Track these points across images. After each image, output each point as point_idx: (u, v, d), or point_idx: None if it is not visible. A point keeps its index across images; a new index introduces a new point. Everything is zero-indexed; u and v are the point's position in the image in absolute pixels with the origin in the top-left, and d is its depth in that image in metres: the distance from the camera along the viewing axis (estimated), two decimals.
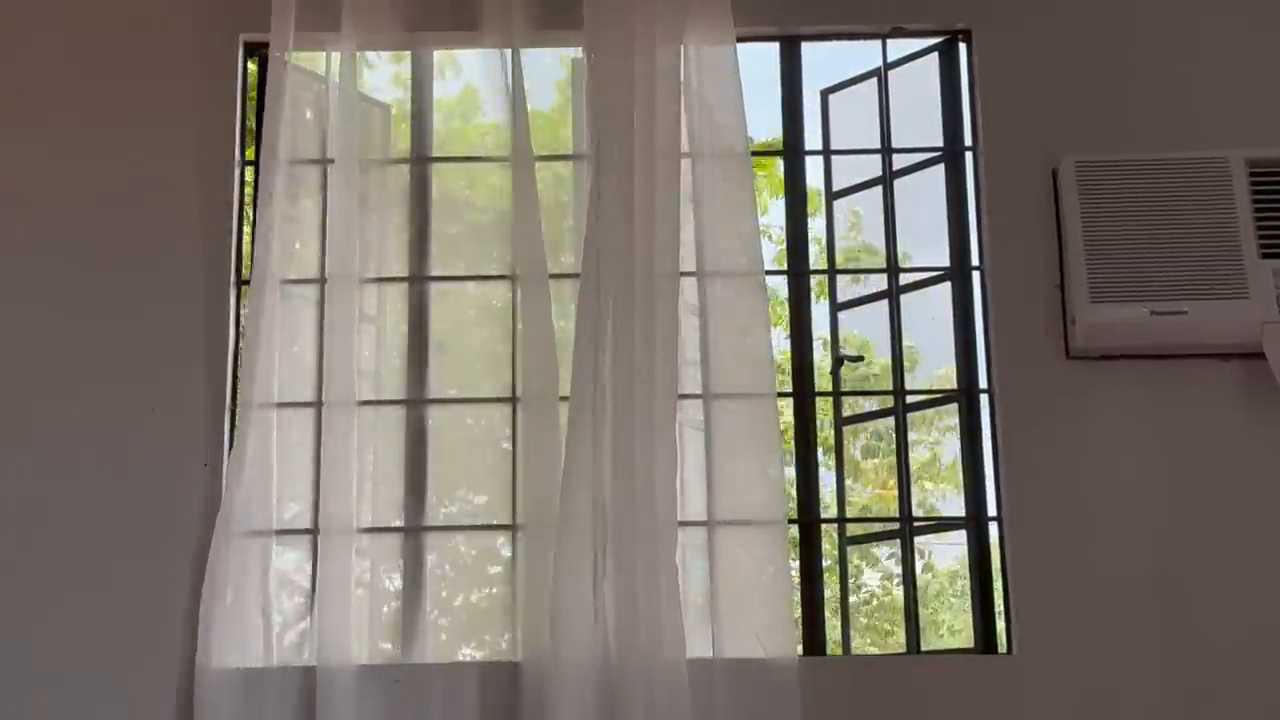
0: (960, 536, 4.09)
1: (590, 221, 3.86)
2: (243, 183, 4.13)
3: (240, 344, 3.96)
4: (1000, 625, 3.97)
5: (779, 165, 4.28)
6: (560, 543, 3.68)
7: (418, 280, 4.14)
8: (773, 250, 5.33)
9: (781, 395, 4.04)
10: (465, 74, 4.36)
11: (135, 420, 3.94)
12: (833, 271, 4.34)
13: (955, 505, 4.15)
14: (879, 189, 4.27)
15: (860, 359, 4.34)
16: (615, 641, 3.61)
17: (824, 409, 4.37)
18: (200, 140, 4.11)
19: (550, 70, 4.22)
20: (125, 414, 3.95)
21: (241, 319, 4.00)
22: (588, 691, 3.60)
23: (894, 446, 4.19)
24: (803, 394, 4.15)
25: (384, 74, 4.36)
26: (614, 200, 3.84)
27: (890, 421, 4.23)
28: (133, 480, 3.90)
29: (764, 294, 3.93)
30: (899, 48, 4.33)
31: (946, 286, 4.19)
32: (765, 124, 4.26)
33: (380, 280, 4.11)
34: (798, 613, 3.94)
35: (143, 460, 3.91)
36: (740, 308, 3.93)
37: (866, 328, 4.29)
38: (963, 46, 4.28)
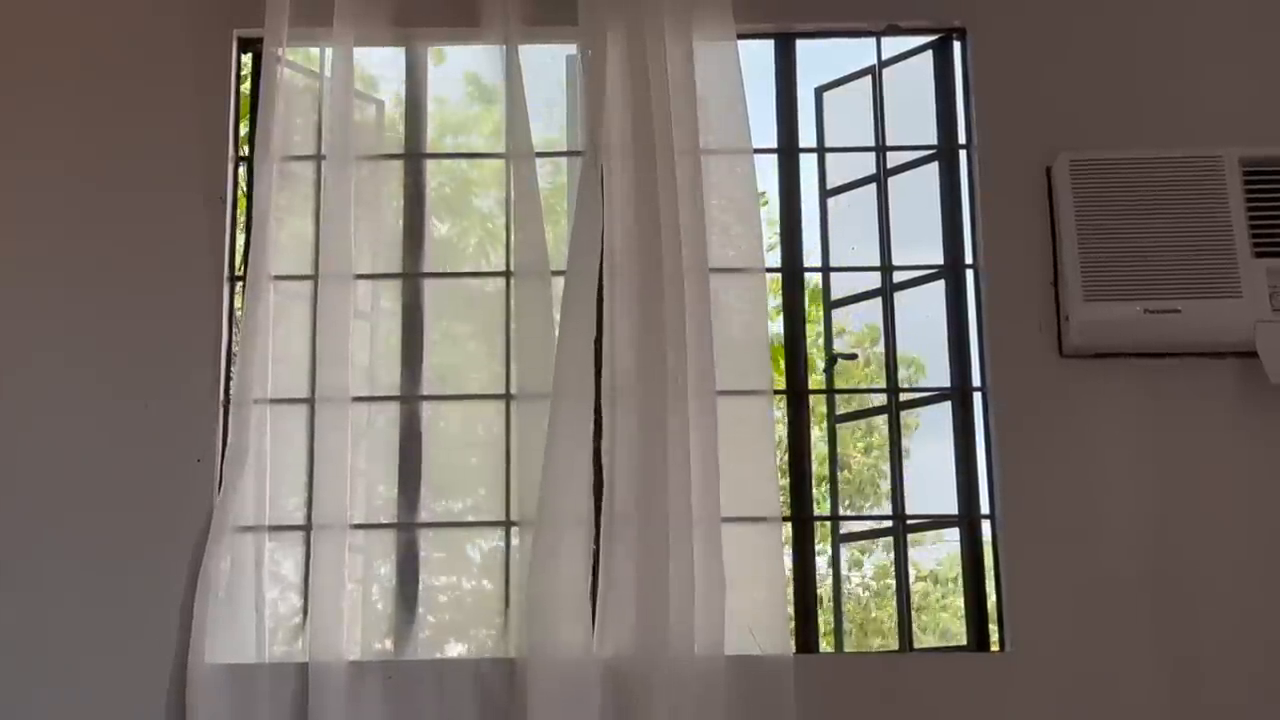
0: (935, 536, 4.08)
1: (589, 217, 3.84)
2: (236, 179, 4.11)
3: (234, 340, 3.95)
4: (993, 623, 3.96)
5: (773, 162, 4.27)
6: (556, 538, 3.67)
7: (412, 277, 4.13)
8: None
9: (775, 392, 4.01)
10: (461, 69, 4.37)
11: (128, 416, 3.92)
12: (827, 269, 4.31)
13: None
14: (873, 186, 4.25)
15: (854, 356, 4.33)
16: (642, 639, 3.62)
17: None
18: (194, 136, 4.09)
19: (546, 66, 4.22)
20: (118, 410, 3.92)
21: (235, 315, 4.00)
22: (588, 689, 3.61)
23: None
24: (797, 391, 4.13)
25: (379, 70, 4.35)
26: (625, 197, 3.84)
27: None
28: (126, 476, 3.88)
29: (764, 291, 3.94)
30: (894, 45, 4.31)
31: (940, 285, 4.18)
32: (759, 121, 4.21)
33: (374, 276, 4.09)
34: (791, 610, 3.92)
35: (136, 456, 3.89)
36: (740, 304, 3.93)
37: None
38: (957, 44, 4.27)
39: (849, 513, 5.03)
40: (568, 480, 3.70)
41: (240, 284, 3.98)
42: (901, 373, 4.22)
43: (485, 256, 4.20)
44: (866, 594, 7.43)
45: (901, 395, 4.19)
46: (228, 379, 3.93)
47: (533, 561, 3.65)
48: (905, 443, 4.13)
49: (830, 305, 4.32)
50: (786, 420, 4.11)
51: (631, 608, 3.65)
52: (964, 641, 4.02)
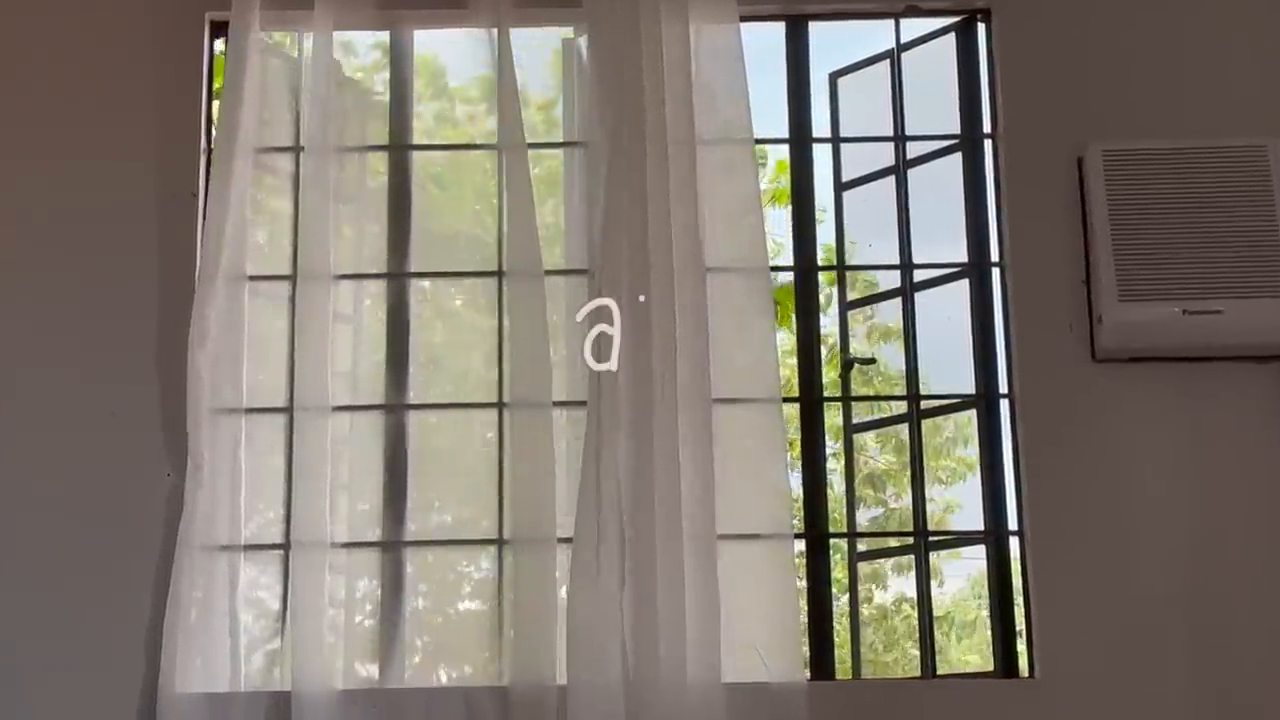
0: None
1: (597, 213, 3.82)
2: (209, 173, 4.01)
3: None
4: (1021, 647, 3.88)
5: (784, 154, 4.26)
6: (592, 558, 3.62)
7: (397, 277, 4.04)
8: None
9: (787, 400, 3.96)
10: (450, 54, 4.32)
11: (93, 425, 3.83)
12: (842, 268, 4.26)
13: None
14: (891, 179, 4.17)
15: (872, 361, 4.31)
16: (636, 665, 3.57)
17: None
18: (163, 127, 4.00)
19: (540, 51, 4.18)
20: (83, 418, 3.84)
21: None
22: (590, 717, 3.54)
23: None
24: (810, 399, 4.06)
25: (362, 55, 4.32)
26: (624, 190, 3.79)
27: None
28: (90, 489, 3.79)
29: (769, 291, 3.85)
30: (913, 28, 4.23)
31: (964, 284, 4.09)
32: (770, 109, 4.17)
33: (356, 277, 4.02)
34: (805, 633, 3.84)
35: (101, 468, 3.81)
36: (743, 306, 3.85)
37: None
38: (981, 26, 4.19)
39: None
40: (598, 497, 3.65)
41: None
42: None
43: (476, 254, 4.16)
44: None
45: (923, 403, 4.12)
46: None
47: (571, 584, 3.62)
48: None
49: (846, 306, 4.28)
50: (800, 430, 4.06)
51: (622, 632, 3.60)
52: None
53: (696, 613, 3.57)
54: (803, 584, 3.90)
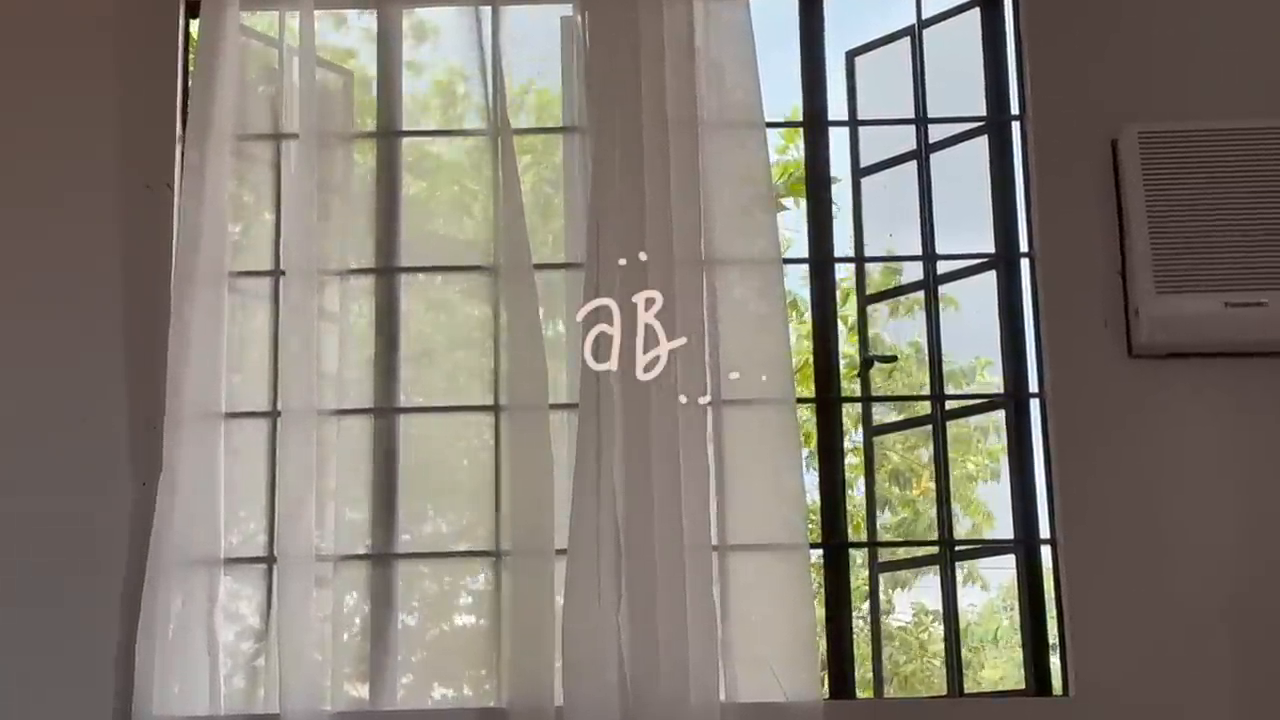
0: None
1: (594, 204, 3.73)
2: (184, 163, 3.92)
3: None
4: (1055, 663, 3.81)
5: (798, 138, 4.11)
6: (570, 571, 3.56)
7: (386, 273, 3.98)
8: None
9: (803, 401, 3.95)
10: (440, 35, 4.24)
11: (64, 432, 3.75)
12: (860, 260, 4.17)
13: None
14: (913, 164, 4.10)
15: (893, 359, 4.26)
16: (632, 684, 3.51)
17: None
18: (136, 114, 3.91)
19: (537, 31, 4.09)
20: (54, 425, 3.76)
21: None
22: None
23: None
24: (827, 399, 3.98)
25: (347, 36, 4.25)
26: (621, 178, 3.73)
27: None
28: (60, 500, 3.71)
29: (781, 285, 3.79)
30: (935, 2, 4.15)
31: (992, 276, 4.02)
32: (783, 91, 4.15)
33: (344, 273, 3.93)
34: (822, 649, 3.79)
35: (72, 477, 3.73)
36: (754, 301, 3.79)
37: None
38: (1008, 1, 4.10)
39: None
40: (596, 504, 3.59)
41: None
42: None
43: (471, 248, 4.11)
44: None
45: (948, 403, 4.06)
46: None
47: (566, 598, 3.55)
48: None
49: (865, 300, 4.22)
50: (816, 432, 4.00)
51: (619, 648, 3.54)
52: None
53: (697, 627, 3.51)
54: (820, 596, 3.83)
